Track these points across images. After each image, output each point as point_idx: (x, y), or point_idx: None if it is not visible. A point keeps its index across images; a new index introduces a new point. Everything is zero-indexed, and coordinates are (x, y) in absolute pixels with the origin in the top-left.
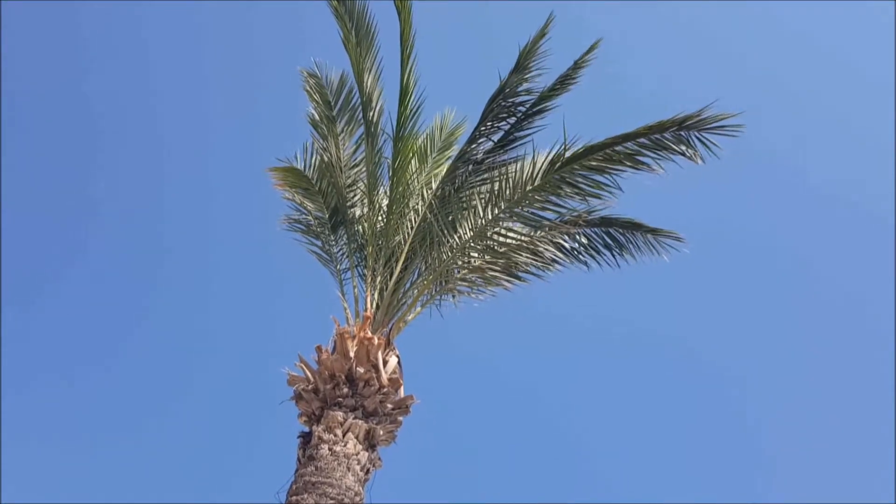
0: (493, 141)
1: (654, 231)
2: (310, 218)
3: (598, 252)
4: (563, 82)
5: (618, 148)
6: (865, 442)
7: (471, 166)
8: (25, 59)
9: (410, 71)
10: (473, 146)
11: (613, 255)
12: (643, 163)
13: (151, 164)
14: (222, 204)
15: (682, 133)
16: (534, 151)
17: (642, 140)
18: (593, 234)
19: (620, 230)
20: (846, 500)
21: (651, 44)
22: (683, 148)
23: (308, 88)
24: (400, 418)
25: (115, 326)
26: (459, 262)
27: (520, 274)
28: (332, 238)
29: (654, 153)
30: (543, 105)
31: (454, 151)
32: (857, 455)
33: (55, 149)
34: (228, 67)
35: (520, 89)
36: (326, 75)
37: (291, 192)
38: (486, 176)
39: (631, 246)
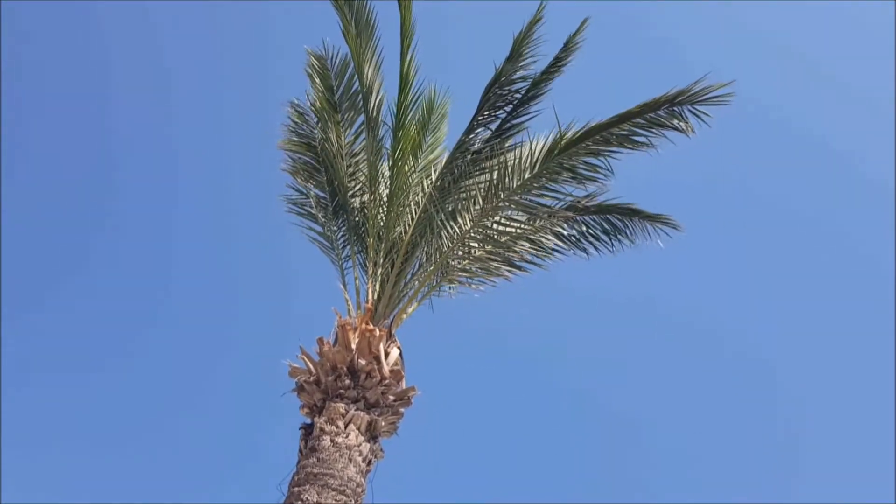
0: (490, 129)
1: (652, 217)
2: (310, 200)
3: (598, 238)
4: (556, 65)
5: (614, 130)
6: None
7: (469, 156)
8: (26, 58)
9: (410, 62)
10: (471, 136)
11: (612, 241)
12: (638, 142)
13: (159, 162)
14: (223, 199)
15: (675, 108)
16: (530, 139)
17: (637, 119)
18: (592, 221)
19: (619, 216)
20: (846, 500)
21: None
22: (676, 122)
23: (311, 71)
24: (401, 410)
25: (114, 323)
26: (460, 253)
27: (520, 263)
28: (334, 224)
29: (648, 131)
30: (538, 90)
31: (446, 131)
32: (856, 454)
33: (65, 143)
34: (235, 58)
35: (515, 76)
36: (332, 56)
37: (293, 162)
38: (484, 165)
39: (629, 231)
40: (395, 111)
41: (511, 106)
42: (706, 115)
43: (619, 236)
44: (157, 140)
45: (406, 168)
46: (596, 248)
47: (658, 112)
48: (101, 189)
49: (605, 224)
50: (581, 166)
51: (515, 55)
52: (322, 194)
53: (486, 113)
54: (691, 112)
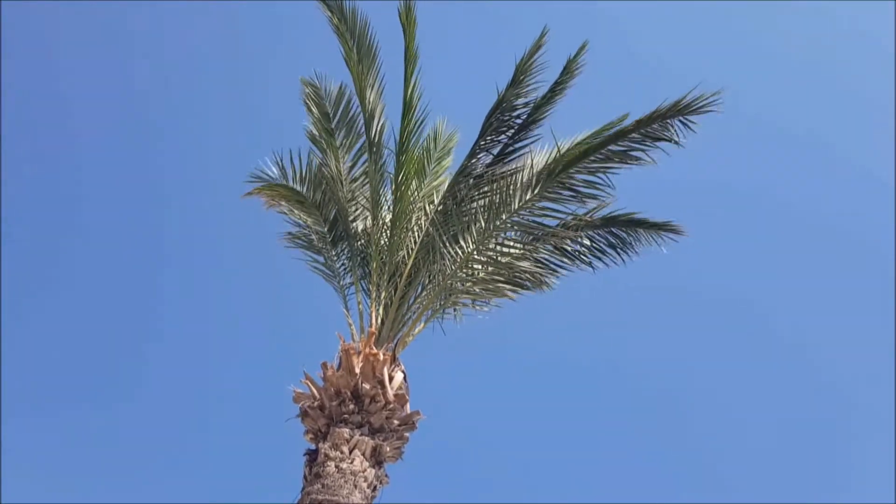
0: (492, 154)
1: (657, 226)
2: (310, 232)
3: (603, 252)
4: (558, 88)
5: (611, 146)
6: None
7: (471, 180)
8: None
9: (414, 87)
10: (474, 160)
11: (618, 253)
12: (634, 157)
13: (148, 181)
14: (223, 219)
15: (668, 121)
16: (531, 160)
17: (633, 135)
18: (596, 235)
19: (623, 228)
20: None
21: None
22: (668, 133)
23: (307, 100)
24: (406, 434)
25: (117, 351)
26: (463, 275)
27: (524, 283)
28: (334, 253)
29: (643, 145)
30: (539, 114)
31: (450, 162)
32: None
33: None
34: (227, 79)
35: (517, 102)
36: (326, 86)
37: (286, 206)
38: (486, 189)
39: (634, 242)
40: (399, 135)
41: (513, 131)
42: (694, 123)
43: (626, 248)
44: (151, 158)
45: (409, 192)
46: (603, 261)
47: (652, 126)
48: (83, 211)
49: (609, 237)
50: (580, 185)
51: (517, 82)
52: (319, 228)
53: (488, 138)
54: (682, 123)
